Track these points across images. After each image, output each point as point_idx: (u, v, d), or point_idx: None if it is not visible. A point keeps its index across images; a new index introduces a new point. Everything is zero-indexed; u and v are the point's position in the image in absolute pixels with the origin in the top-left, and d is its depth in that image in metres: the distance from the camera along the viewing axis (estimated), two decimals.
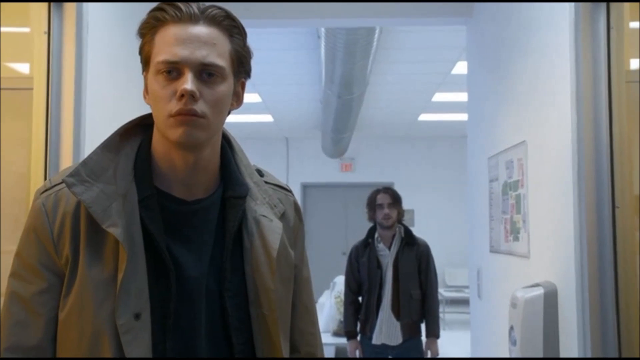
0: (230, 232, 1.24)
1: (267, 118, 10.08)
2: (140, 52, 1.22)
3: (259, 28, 4.59)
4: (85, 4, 2.23)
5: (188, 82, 1.13)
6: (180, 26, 1.17)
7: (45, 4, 2.17)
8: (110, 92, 2.59)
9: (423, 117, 10.02)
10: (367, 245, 4.14)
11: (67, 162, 2.18)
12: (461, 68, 6.99)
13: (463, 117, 9.32)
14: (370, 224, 4.22)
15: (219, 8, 1.21)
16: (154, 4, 1.21)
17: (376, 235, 4.13)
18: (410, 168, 11.91)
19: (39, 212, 1.19)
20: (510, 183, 2.88)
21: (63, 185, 1.19)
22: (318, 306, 9.32)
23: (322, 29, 4.87)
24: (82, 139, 2.24)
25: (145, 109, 1.28)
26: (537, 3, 2.55)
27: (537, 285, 2.30)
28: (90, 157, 1.22)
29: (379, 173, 11.83)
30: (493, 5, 3.27)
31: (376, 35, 4.97)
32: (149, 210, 1.19)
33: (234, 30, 1.22)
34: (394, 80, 7.77)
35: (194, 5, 1.18)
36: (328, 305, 8.79)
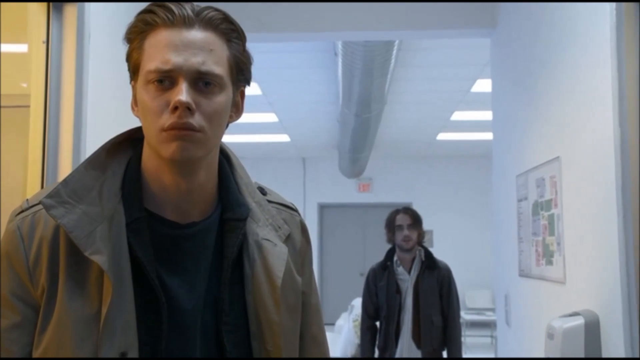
0: (229, 258, 1.11)
1: (284, 138, 10.05)
2: (128, 60, 1.10)
3: (275, 42, 4.48)
4: (87, 4, 2.09)
5: (183, 93, 1.02)
6: (172, 31, 1.05)
7: (44, 6, 2.02)
8: (113, 107, 2.45)
9: (442, 136, 9.92)
10: (385, 268, 3.98)
11: None
12: (481, 86, 6.87)
13: (483, 136, 9.31)
14: (389, 246, 4.04)
15: (216, 10, 1.09)
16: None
17: (395, 258, 3.96)
18: (428, 188, 11.80)
19: (14, 237, 1.06)
20: (541, 202, 2.70)
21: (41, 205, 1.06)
22: (335, 329, 9.16)
23: (340, 46, 4.77)
24: (82, 157, 2.10)
25: None
26: (571, 5, 2.38)
27: (576, 314, 2.11)
28: (72, 175, 1.09)
29: (397, 193, 11.74)
30: (519, 14, 3.11)
31: (394, 52, 4.87)
32: (138, 235, 1.06)
33: (232, 34, 1.10)
34: (412, 99, 7.68)
35: (188, 7, 1.06)
36: (346, 329, 8.64)
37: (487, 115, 7.65)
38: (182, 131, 1.02)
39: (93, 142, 2.18)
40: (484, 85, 6.77)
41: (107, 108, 2.41)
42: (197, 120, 1.03)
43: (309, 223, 10.26)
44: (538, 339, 2.51)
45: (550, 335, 2.15)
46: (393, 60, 5.07)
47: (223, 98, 1.07)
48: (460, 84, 6.96)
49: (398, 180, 11.92)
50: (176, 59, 1.03)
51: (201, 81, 1.04)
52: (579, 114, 2.31)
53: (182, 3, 1.07)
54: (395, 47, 4.79)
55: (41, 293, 1.04)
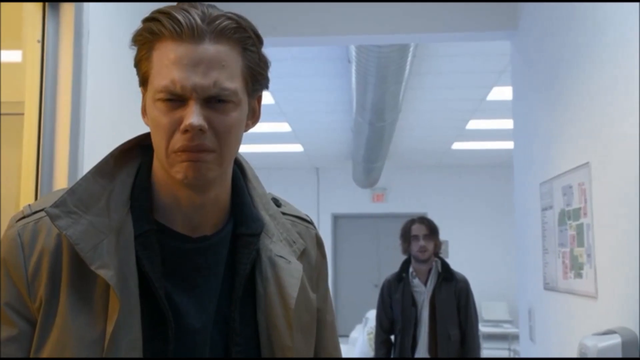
0: (241, 275, 1.05)
1: (297, 148, 9.97)
2: (136, 66, 1.03)
3: (286, 47, 4.40)
4: (85, 4, 1.98)
5: (194, 116, 0.95)
6: (180, 45, 0.96)
7: (39, 6, 1.91)
8: (114, 112, 2.35)
9: (457, 145, 9.80)
10: (400, 280, 3.86)
11: None
12: (497, 94, 6.74)
13: (499, 145, 9.17)
14: (404, 257, 3.91)
15: (229, 18, 0.98)
16: (166, 4, 1.00)
17: (410, 269, 3.83)
18: (443, 198, 11.66)
19: (14, 244, 1.00)
20: (569, 211, 2.54)
21: (45, 213, 1.00)
22: (350, 341, 9.03)
23: (353, 53, 4.66)
24: (79, 167, 2.00)
25: None
26: (600, 4, 2.24)
27: (611, 332, 1.96)
28: (79, 183, 1.03)
29: (411, 203, 11.61)
30: (543, 14, 2.97)
31: (409, 59, 4.76)
32: (147, 249, 1.00)
33: (247, 41, 1.01)
34: (426, 107, 7.57)
35: (197, 15, 0.96)
36: (360, 342, 8.52)
37: (503, 123, 7.50)
38: (194, 154, 0.96)
39: (91, 151, 2.07)
40: (500, 93, 6.63)
41: (107, 114, 2.30)
42: (210, 139, 0.97)
43: (323, 234, 10.09)
44: (566, 357, 2.35)
45: (583, 354, 2.00)
46: (407, 68, 4.96)
47: (238, 114, 1.00)
48: (476, 92, 6.83)
49: (413, 190, 11.79)
50: (185, 81, 0.95)
51: (214, 99, 0.97)
52: (611, 117, 2.17)
53: (189, 9, 0.97)
54: (410, 54, 4.68)
55: (38, 307, 0.97)
